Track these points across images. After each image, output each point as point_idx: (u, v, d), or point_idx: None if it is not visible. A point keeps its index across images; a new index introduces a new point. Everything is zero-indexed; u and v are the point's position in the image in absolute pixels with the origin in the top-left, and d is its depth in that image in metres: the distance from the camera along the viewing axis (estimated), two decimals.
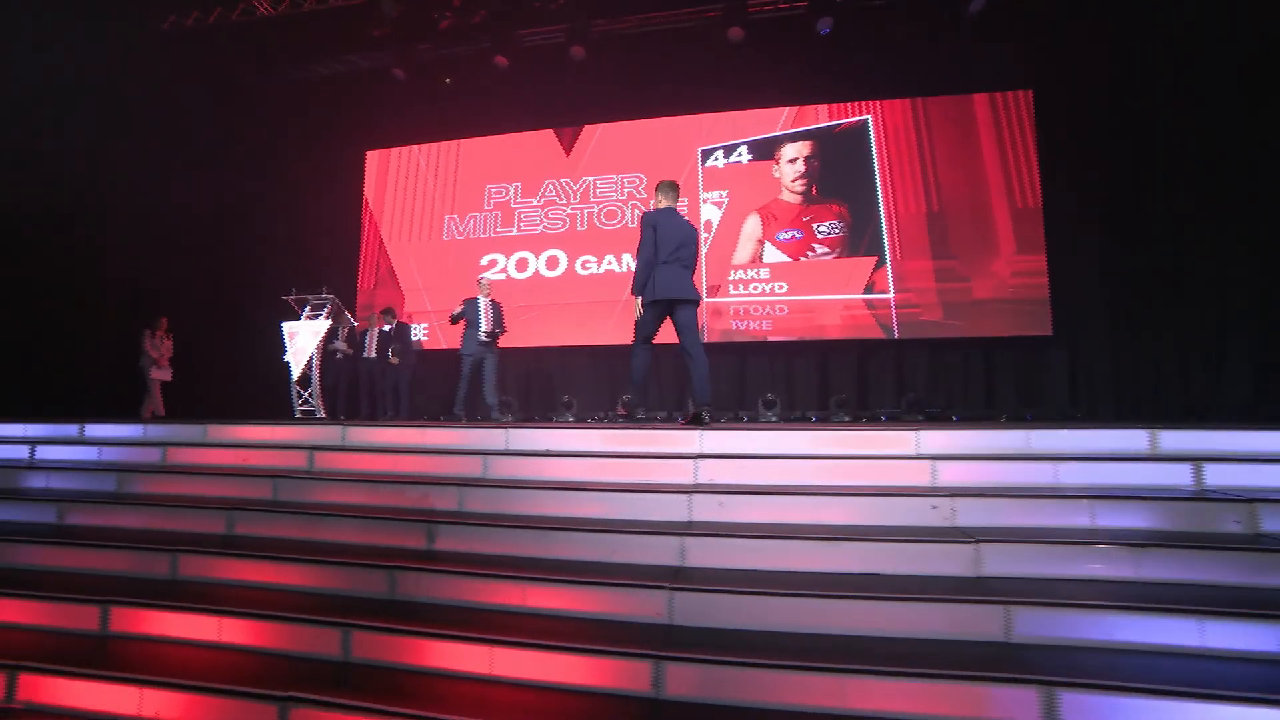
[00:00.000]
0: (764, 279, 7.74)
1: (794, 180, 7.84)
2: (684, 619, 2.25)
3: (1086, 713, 1.71)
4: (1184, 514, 2.52)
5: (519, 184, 8.66)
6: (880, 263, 7.44)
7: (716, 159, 8.09)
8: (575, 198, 8.47)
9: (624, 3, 7.77)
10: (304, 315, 7.24)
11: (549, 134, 8.63)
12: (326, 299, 7.20)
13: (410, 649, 2.27)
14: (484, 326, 6.27)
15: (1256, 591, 2.13)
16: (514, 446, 3.61)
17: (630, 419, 3.99)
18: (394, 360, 7.09)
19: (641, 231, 4.02)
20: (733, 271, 7.84)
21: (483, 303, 6.35)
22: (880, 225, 7.51)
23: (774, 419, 7.08)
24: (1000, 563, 2.34)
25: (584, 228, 8.37)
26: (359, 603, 2.55)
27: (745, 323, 7.74)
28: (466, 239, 8.75)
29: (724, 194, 8.01)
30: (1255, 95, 6.19)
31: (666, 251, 3.96)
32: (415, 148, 9.06)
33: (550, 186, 8.56)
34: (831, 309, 7.53)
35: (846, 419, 6.90)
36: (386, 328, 7.34)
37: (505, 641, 2.18)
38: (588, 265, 8.27)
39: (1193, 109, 6.53)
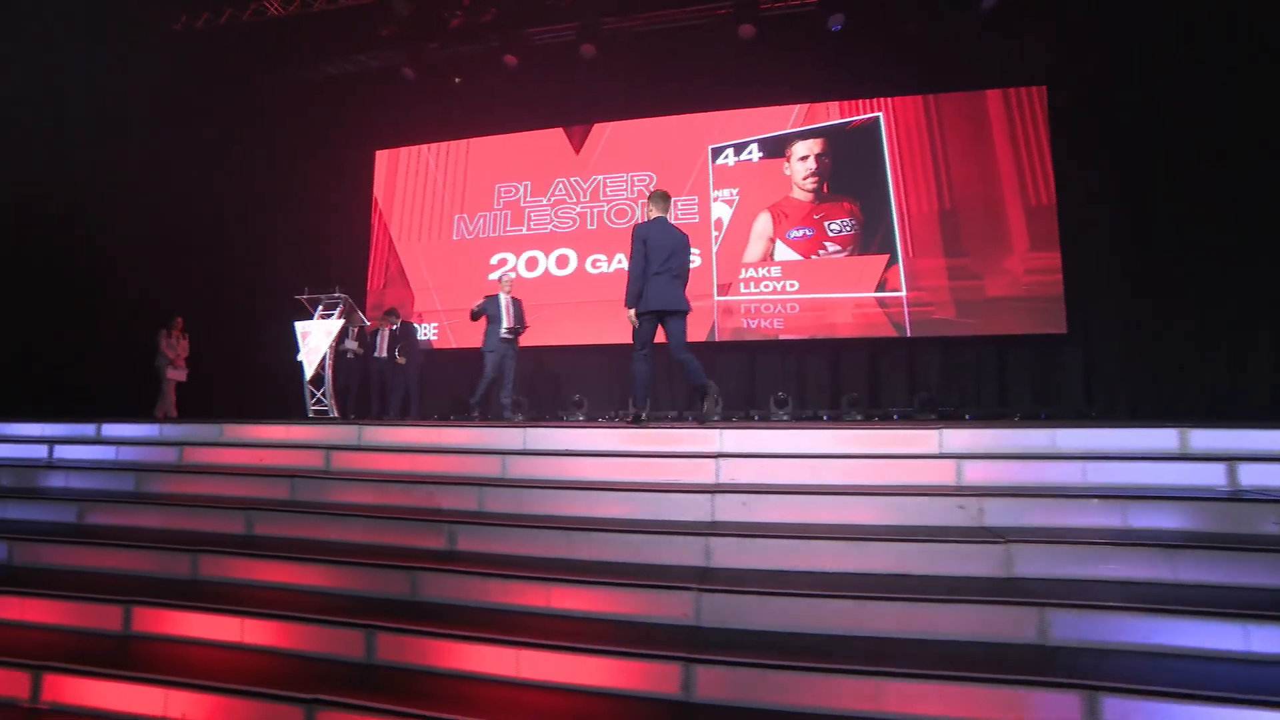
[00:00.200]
0: (775, 277, 7.70)
1: (805, 178, 7.79)
2: (712, 620, 2.22)
3: (1130, 718, 1.67)
4: (1220, 515, 2.47)
5: (529, 183, 8.64)
6: (892, 260, 7.38)
7: (727, 157, 8.05)
8: (585, 196, 8.44)
9: (634, 0, 7.74)
10: (317, 315, 7.24)
11: (559, 132, 8.60)
12: (339, 298, 7.20)
13: (435, 651, 2.25)
14: (505, 323, 6.26)
15: None
16: (532, 446, 3.60)
17: (638, 423, 4.01)
18: (400, 360, 7.08)
19: (633, 244, 4.15)
20: (744, 270, 7.79)
21: (504, 299, 6.34)
22: (892, 223, 7.45)
23: (785, 418, 7.04)
24: (1032, 563, 2.30)
25: (594, 226, 8.34)
26: (381, 604, 2.54)
27: (756, 321, 7.70)
28: (476, 238, 8.74)
29: (734, 192, 7.96)
30: (1274, 88, 6.11)
31: (658, 262, 4.09)
32: (425, 147, 9.05)
33: (560, 185, 8.53)
34: (843, 307, 7.48)
35: (859, 418, 6.86)
36: (394, 328, 7.34)
37: (531, 643, 2.16)
38: (598, 264, 8.25)
39: (1210, 102, 6.44)
